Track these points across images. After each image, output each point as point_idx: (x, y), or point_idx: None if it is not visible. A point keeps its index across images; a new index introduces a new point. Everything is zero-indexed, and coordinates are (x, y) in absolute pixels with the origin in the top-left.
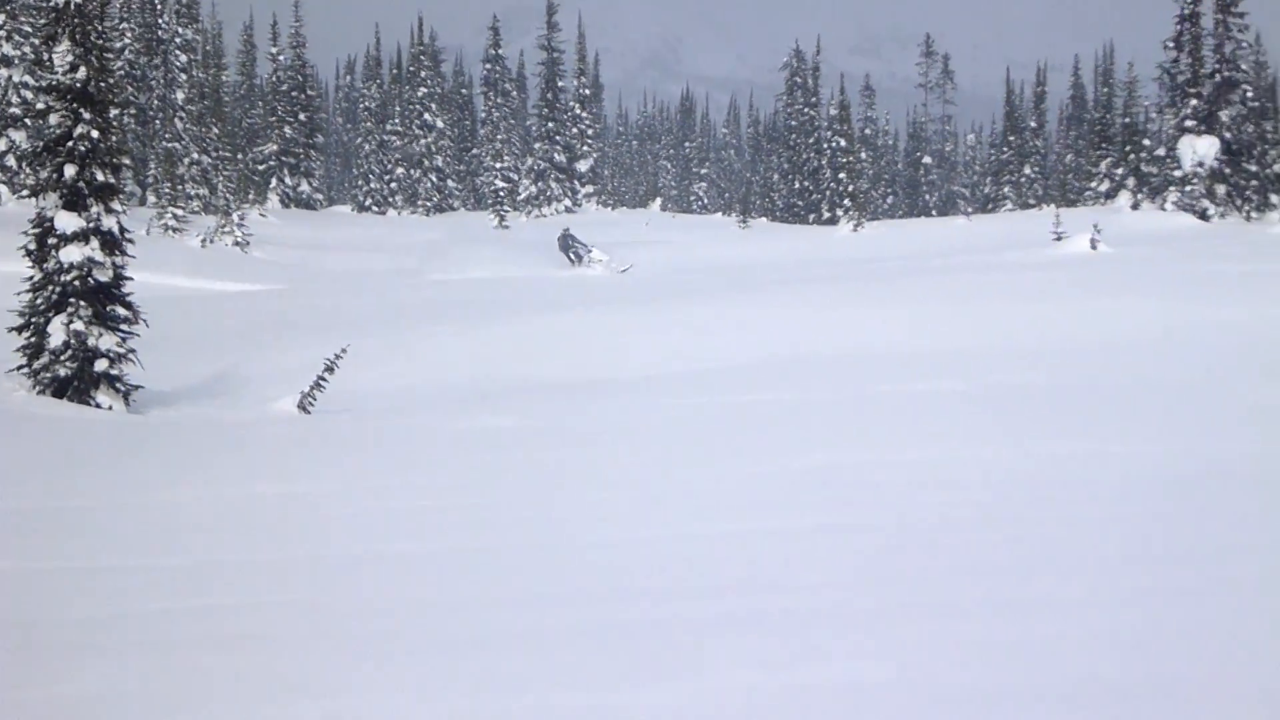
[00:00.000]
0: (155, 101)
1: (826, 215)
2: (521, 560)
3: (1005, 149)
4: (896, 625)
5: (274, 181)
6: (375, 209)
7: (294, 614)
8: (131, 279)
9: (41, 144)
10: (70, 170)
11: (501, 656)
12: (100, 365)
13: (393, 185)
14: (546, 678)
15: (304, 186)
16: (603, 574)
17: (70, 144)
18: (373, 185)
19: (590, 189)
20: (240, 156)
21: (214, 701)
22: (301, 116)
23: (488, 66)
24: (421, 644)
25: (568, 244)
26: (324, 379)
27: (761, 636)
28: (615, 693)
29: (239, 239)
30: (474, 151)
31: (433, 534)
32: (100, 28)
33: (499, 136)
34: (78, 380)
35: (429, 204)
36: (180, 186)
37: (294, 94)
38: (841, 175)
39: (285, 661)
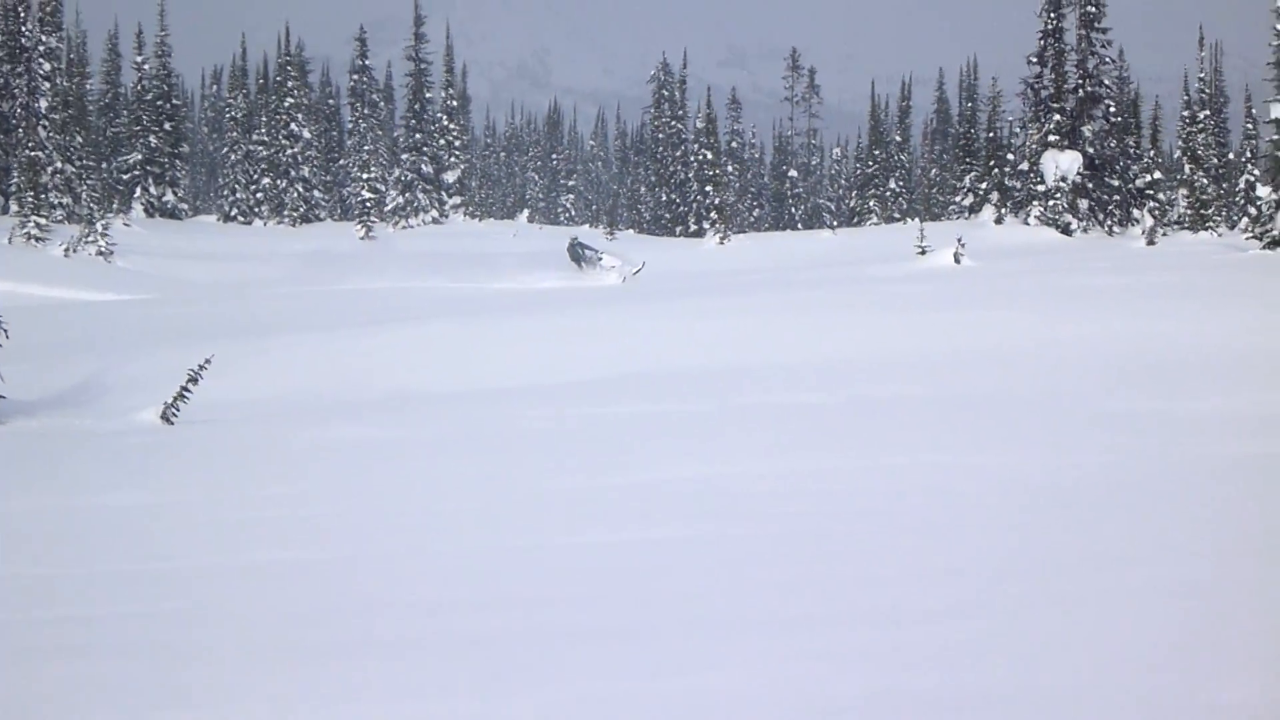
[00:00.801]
0: (18, 110)
1: (693, 228)
2: (384, 570)
3: (870, 163)
4: (745, 636)
5: (138, 191)
6: (241, 219)
7: (148, 624)
8: None
9: None
10: None
11: (371, 667)
12: None
13: (259, 195)
14: (411, 688)
15: (169, 196)
16: (457, 584)
17: None
18: (238, 195)
19: (457, 200)
20: (104, 165)
21: (70, 714)
22: (167, 125)
23: (355, 77)
24: (275, 653)
25: (578, 252)
26: (188, 389)
27: (621, 647)
28: (477, 702)
29: (103, 248)
30: (341, 162)
31: (285, 544)
32: None
33: (366, 147)
34: None
35: (295, 214)
36: (43, 195)
37: (159, 103)
38: (708, 188)
39: (129, 672)
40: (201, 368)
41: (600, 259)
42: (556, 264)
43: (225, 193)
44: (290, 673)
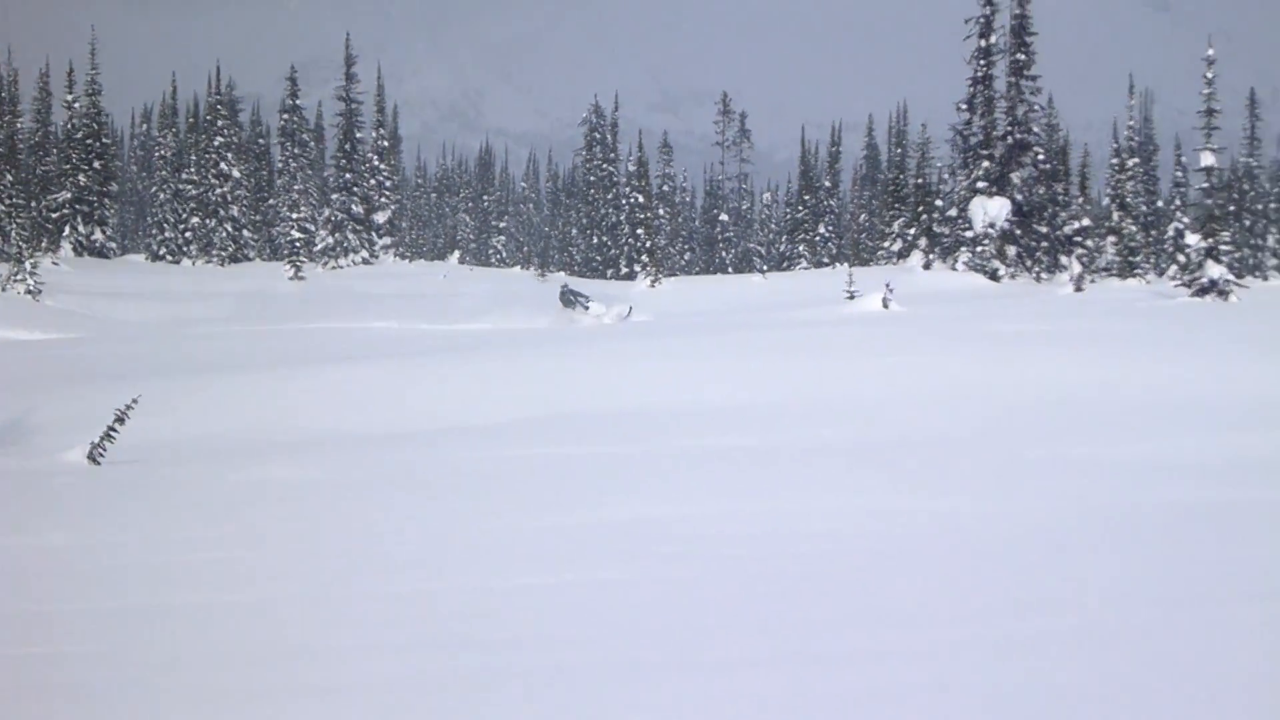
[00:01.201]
0: None
1: (624, 270)
2: (301, 614)
3: (800, 207)
4: (687, 680)
5: (67, 229)
6: (169, 258)
7: (59, 665)
8: None
9: None
10: None
11: (279, 712)
12: None
13: (187, 235)
14: None
15: (97, 235)
16: (383, 628)
17: None
18: (167, 234)
19: (388, 240)
20: (33, 204)
21: None
22: (96, 164)
23: (285, 116)
24: (198, 697)
25: (570, 299)
26: (115, 429)
27: (543, 690)
28: None
29: (31, 287)
30: (270, 201)
31: (211, 586)
32: None
33: (296, 187)
34: None
35: (224, 254)
36: None
37: (89, 141)
38: (639, 231)
39: (34, 715)
40: (129, 407)
41: (589, 305)
42: (501, 306)
43: (154, 231)
44: (214, 717)
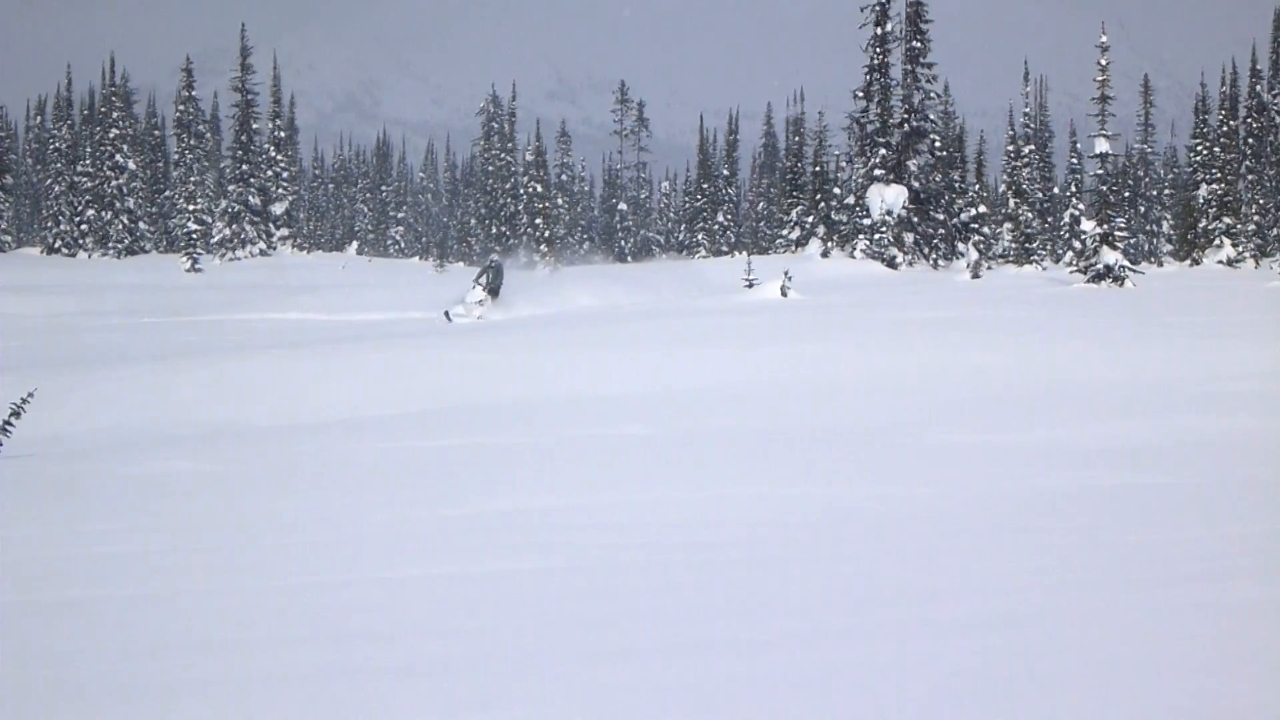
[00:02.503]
0: None
1: (524, 260)
2: (200, 606)
3: (699, 196)
4: (582, 670)
5: None
6: (65, 251)
7: None
8: None
9: None
10: None
11: (176, 704)
12: None
13: (83, 228)
14: None
15: None
16: (278, 620)
17: None
18: (62, 227)
19: (285, 232)
20: None
21: None
22: None
23: (180, 108)
24: (96, 690)
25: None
26: (10, 422)
27: (443, 681)
28: None
29: None
30: (167, 193)
31: (109, 580)
32: None
33: (192, 178)
34: None
35: (120, 246)
36: None
37: None
38: (538, 220)
39: None
40: (24, 401)
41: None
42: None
43: (49, 224)
44: (107, 711)
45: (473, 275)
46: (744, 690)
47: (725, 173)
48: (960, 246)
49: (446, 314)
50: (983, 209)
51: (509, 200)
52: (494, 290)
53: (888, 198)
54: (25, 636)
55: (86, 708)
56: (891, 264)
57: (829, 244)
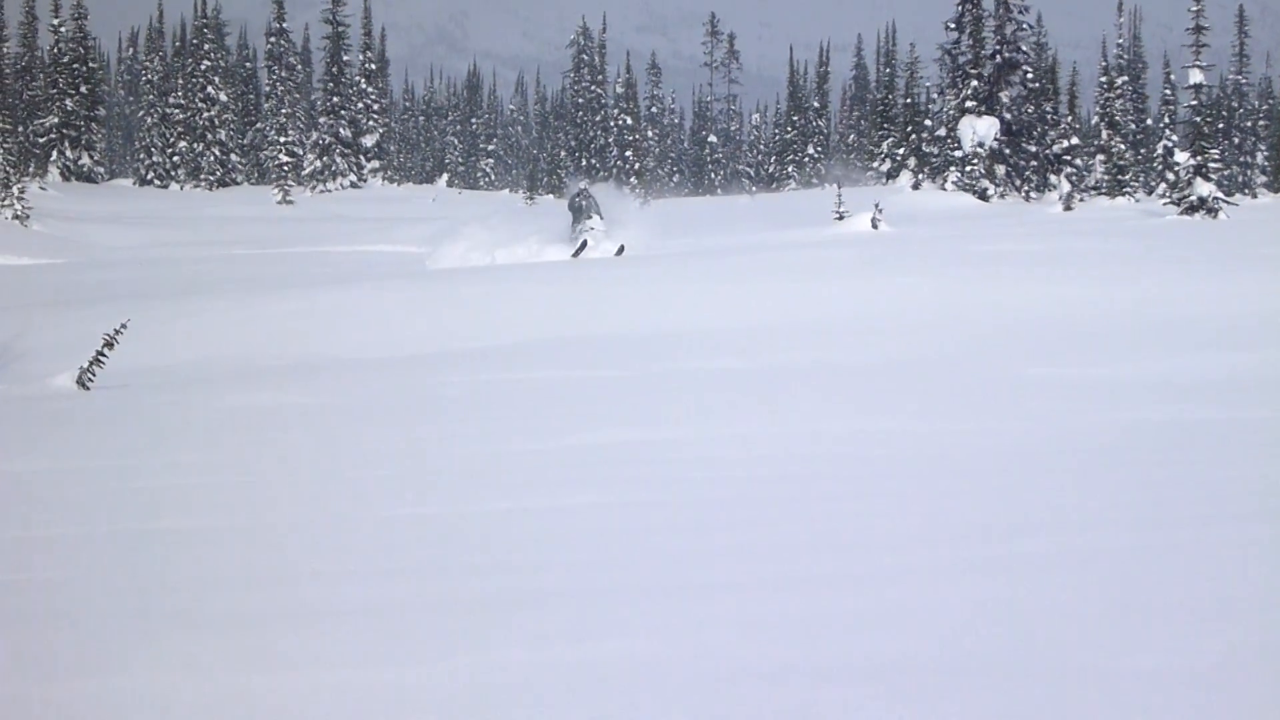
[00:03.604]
0: None
1: (615, 193)
2: (292, 538)
3: (789, 129)
4: (667, 603)
5: (54, 154)
6: (158, 183)
7: (68, 591)
8: None
9: None
10: None
11: (274, 635)
12: None
13: (175, 159)
14: (318, 656)
15: (85, 160)
16: (370, 552)
17: None
18: (155, 159)
19: (376, 164)
20: (20, 129)
21: None
22: (83, 89)
23: (272, 40)
24: (187, 620)
25: (582, 206)
26: (104, 353)
27: (533, 614)
28: (389, 670)
29: (18, 212)
30: (258, 125)
31: (201, 511)
32: None
33: (283, 110)
34: None
35: (212, 178)
36: None
37: (75, 66)
38: (628, 153)
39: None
40: (118, 332)
41: (591, 224)
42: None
43: (141, 156)
44: (196, 640)
45: (574, 210)
46: (823, 626)
47: (816, 105)
48: (1052, 178)
49: (578, 251)
50: (1075, 141)
51: (599, 133)
52: (576, 211)
53: (979, 129)
54: (118, 566)
55: (182, 637)
56: (983, 196)
57: (920, 176)
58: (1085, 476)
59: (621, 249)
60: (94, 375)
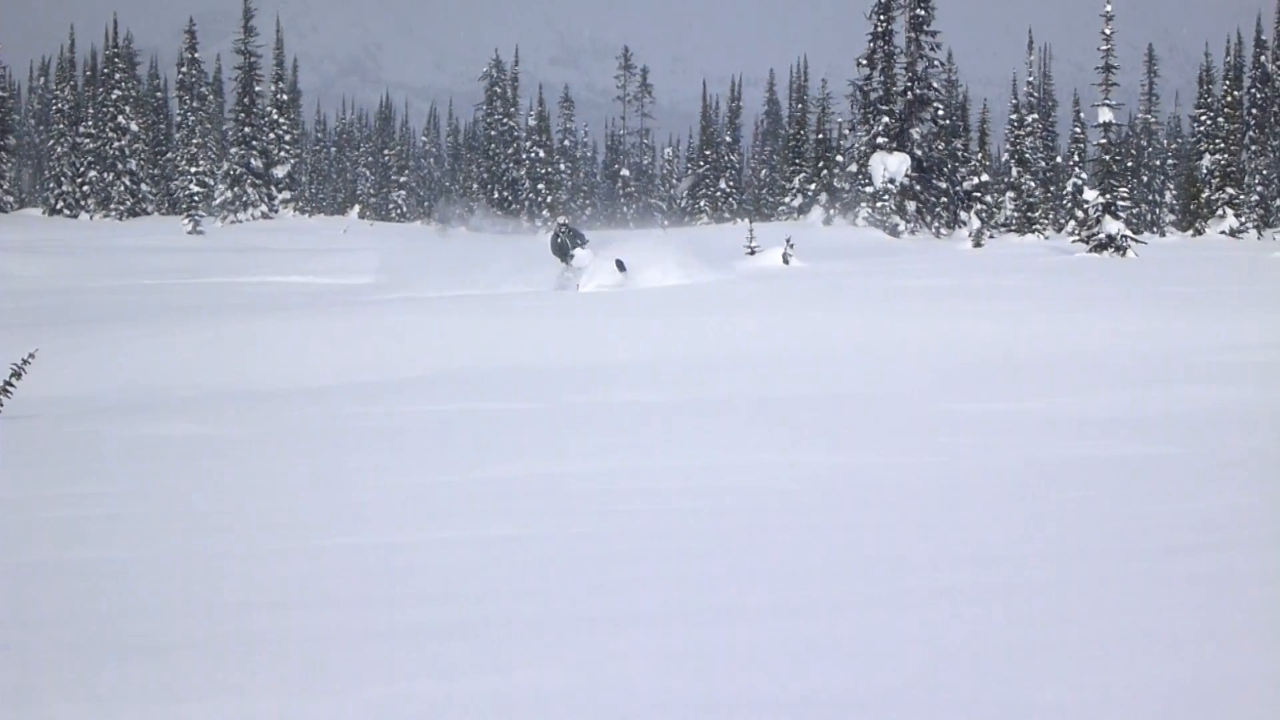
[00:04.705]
0: None
1: (525, 225)
2: (198, 568)
3: (702, 163)
4: (582, 634)
5: None
6: (67, 212)
7: None
8: None
9: None
10: None
11: (178, 664)
12: None
13: (85, 189)
14: (222, 687)
15: None
16: (281, 583)
17: None
18: (65, 188)
19: (287, 195)
20: None
21: None
22: None
23: (183, 70)
24: (97, 652)
25: (568, 241)
26: (11, 383)
27: (446, 645)
28: (288, 701)
29: None
30: (169, 155)
31: (109, 542)
32: None
33: (194, 140)
34: None
35: (122, 208)
36: None
37: None
38: (540, 186)
39: None
40: (25, 361)
41: (575, 253)
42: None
43: (51, 185)
44: (103, 671)
45: (554, 246)
46: (741, 658)
47: (728, 139)
48: (963, 215)
49: (574, 273)
50: (985, 178)
51: (511, 165)
52: (562, 252)
53: (890, 166)
54: (25, 598)
55: (87, 669)
56: (894, 232)
57: (831, 211)
58: (1001, 511)
59: (620, 264)
60: (1, 404)
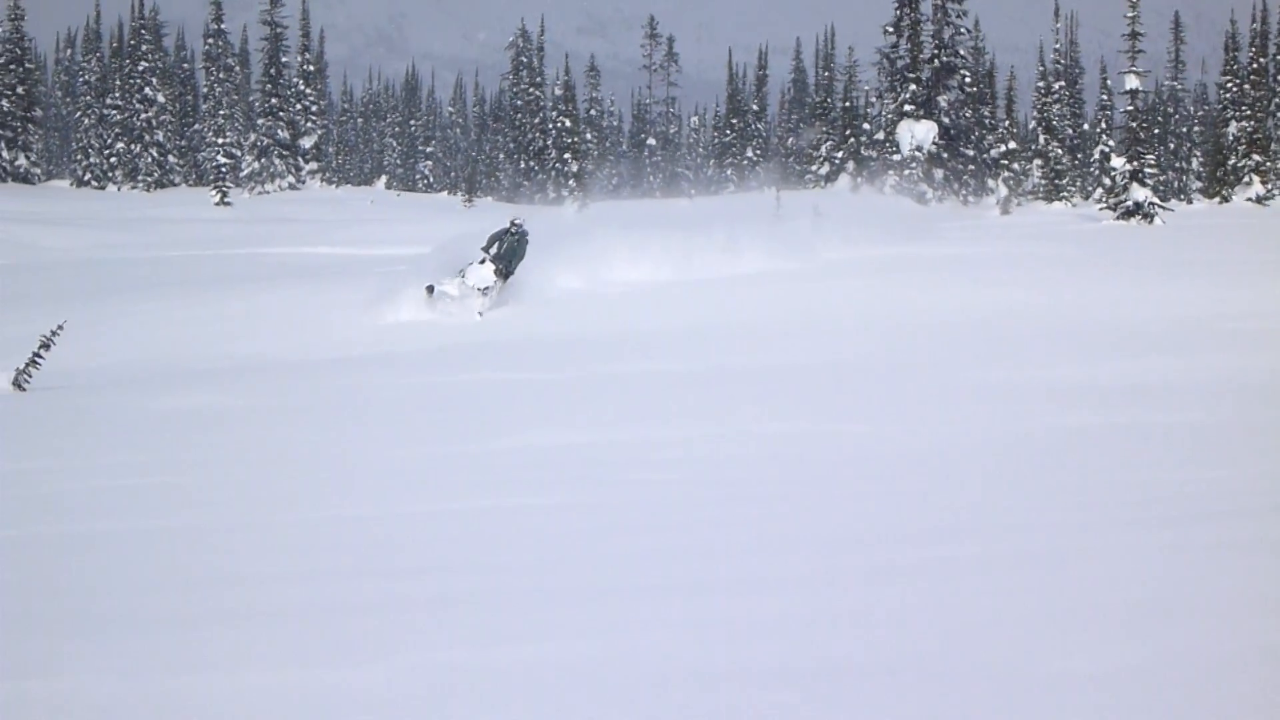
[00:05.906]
0: None
1: (552, 195)
2: (223, 540)
3: (728, 131)
4: (604, 604)
5: None
6: (95, 184)
7: (5, 592)
8: None
9: None
10: None
11: (201, 636)
12: None
13: (112, 160)
14: (258, 658)
15: (21, 161)
16: (305, 554)
17: None
18: (92, 160)
19: (314, 166)
20: None
21: None
22: (19, 89)
23: (210, 41)
24: (122, 623)
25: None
26: (40, 355)
27: (465, 615)
28: (312, 671)
29: None
30: (196, 127)
31: (134, 513)
32: None
33: (221, 112)
34: None
35: (149, 179)
36: None
37: (12, 66)
38: (566, 155)
39: None
40: (54, 333)
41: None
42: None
43: (79, 157)
44: (132, 642)
45: (488, 232)
46: (751, 629)
47: (754, 108)
48: (990, 183)
49: (430, 287)
50: (1012, 145)
51: (537, 135)
52: (507, 273)
53: (917, 133)
54: (50, 569)
55: (110, 640)
56: (921, 200)
57: (858, 179)
58: (1014, 480)
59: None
60: (30, 376)
